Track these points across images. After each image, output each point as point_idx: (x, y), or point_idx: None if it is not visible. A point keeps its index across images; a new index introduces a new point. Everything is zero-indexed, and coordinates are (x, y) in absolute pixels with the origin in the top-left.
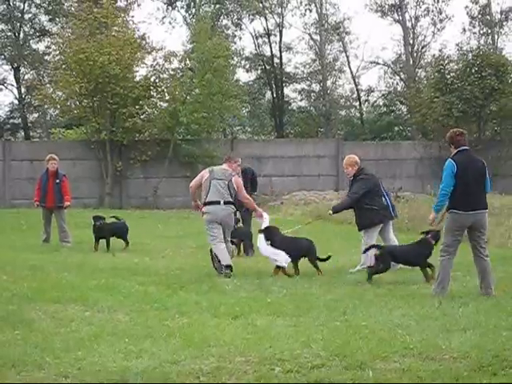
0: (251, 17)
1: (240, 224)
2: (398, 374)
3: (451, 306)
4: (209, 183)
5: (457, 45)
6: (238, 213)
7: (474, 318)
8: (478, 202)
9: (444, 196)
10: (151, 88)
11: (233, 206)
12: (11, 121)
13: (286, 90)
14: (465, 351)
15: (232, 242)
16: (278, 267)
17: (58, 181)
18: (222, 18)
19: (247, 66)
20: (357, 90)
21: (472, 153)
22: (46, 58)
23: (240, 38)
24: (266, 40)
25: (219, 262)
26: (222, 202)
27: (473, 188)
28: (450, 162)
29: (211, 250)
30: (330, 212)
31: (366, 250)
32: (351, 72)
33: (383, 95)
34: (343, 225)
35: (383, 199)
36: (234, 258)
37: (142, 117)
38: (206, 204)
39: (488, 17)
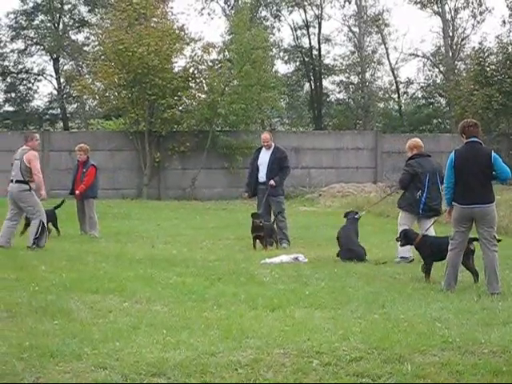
0: (290, 8)
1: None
2: (436, 367)
3: (490, 300)
4: (13, 164)
5: (497, 37)
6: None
7: None
8: (477, 195)
9: (448, 189)
10: (190, 79)
11: (24, 184)
12: (50, 111)
13: (325, 82)
14: (504, 345)
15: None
16: None
17: (84, 170)
18: (260, 9)
19: (286, 58)
20: (395, 82)
21: (478, 144)
22: (85, 48)
23: (279, 30)
24: (305, 32)
25: None
26: (14, 181)
27: (472, 181)
28: (451, 155)
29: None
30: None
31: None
32: (390, 64)
33: (422, 87)
34: (381, 217)
35: (416, 193)
36: (272, 249)
37: (180, 108)
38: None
39: None
